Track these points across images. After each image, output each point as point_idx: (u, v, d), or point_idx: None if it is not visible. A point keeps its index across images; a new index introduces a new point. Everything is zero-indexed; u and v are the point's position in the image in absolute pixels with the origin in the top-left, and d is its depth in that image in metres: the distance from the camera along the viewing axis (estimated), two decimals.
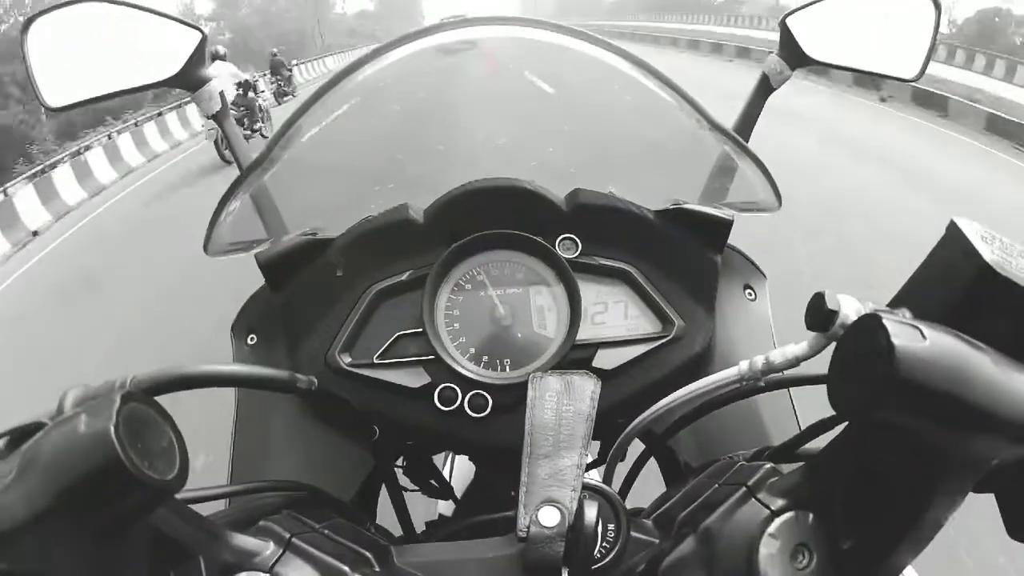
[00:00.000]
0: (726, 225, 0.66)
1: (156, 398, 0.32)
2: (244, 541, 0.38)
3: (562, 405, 0.47)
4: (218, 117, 0.77)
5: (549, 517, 0.41)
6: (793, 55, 0.78)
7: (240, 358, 0.69)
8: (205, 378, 0.46)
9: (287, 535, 0.40)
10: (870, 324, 0.29)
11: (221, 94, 0.77)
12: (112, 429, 0.27)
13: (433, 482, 0.79)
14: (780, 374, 0.52)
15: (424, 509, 0.80)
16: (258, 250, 0.66)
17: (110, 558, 0.30)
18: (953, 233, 0.33)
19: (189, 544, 0.34)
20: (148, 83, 0.77)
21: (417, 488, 0.79)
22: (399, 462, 0.77)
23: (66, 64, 0.80)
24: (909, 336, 0.28)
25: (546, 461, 0.44)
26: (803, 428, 0.48)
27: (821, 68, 0.83)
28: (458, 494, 0.86)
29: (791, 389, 0.68)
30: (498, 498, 0.69)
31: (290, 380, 0.49)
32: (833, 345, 0.36)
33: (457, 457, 1.03)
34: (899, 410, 0.28)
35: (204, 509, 0.41)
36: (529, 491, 0.43)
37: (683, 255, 0.66)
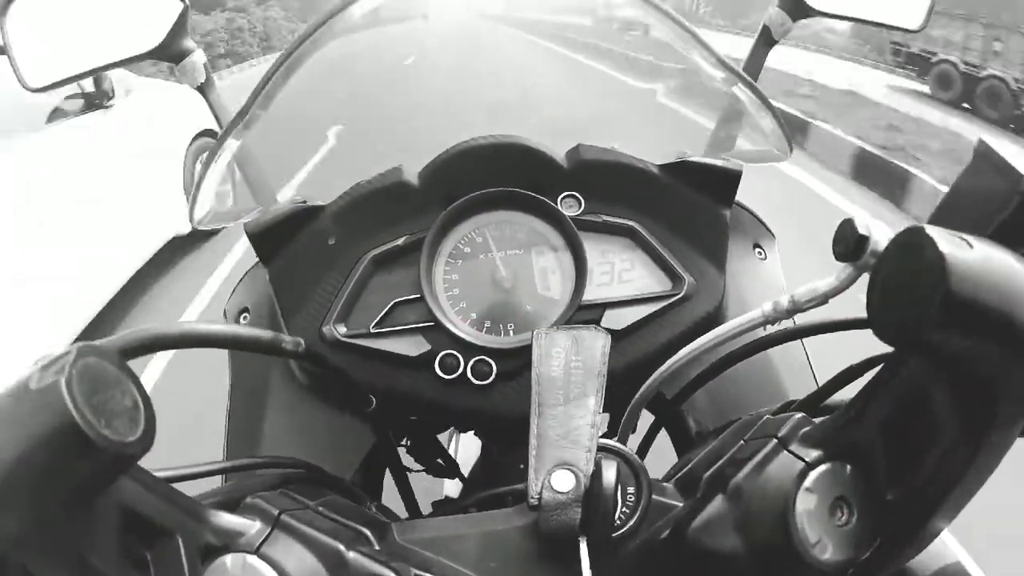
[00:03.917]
0: (735, 177, 0.63)
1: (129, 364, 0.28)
2: (228, 520, 0.35)
3: (570, 361, 0.44)
4: (203, 89, 0.74)
5: (563, 481, 0.38)
6: (795, 6, 0.75)
7: None
8: (180, 339, 0.42)
9: (275, 512, 0.37)
10: (914, 237, 0.26)
11: (205, 65, 0.74)
12: (63, 382, 0.24)
13: (440, 461, 0.76)
14: (796, 324, 0.50)
15: (432, 492, 0.77)
16: (246, 219, 0.63)
17: (73, 535, 0.27)
18: (983, 153, 0.31)
19: (165, 523, 0.31)
20: (129, 56, 0.74)
21: (423, 468, 0.76)
22: (404, 442, 0.74)
23: (47, 43, 0.77)
24: (956, 245, 0.25)
25: (556, 422, 0.41)
26: (825, 380, 0.46)
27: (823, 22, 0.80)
28: (464, 474, 0.83)
29: (806, 345, 0.65)
30: (506, 474, 0.67)
31: (275, 341, 0.46)
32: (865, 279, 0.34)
33: (462, 436, 1.00)
34: (952, 329, 0.25)
35: (194, 488, 0.38)
36: (539, 454, 0.39)
37: (691, 210, 0.63)
